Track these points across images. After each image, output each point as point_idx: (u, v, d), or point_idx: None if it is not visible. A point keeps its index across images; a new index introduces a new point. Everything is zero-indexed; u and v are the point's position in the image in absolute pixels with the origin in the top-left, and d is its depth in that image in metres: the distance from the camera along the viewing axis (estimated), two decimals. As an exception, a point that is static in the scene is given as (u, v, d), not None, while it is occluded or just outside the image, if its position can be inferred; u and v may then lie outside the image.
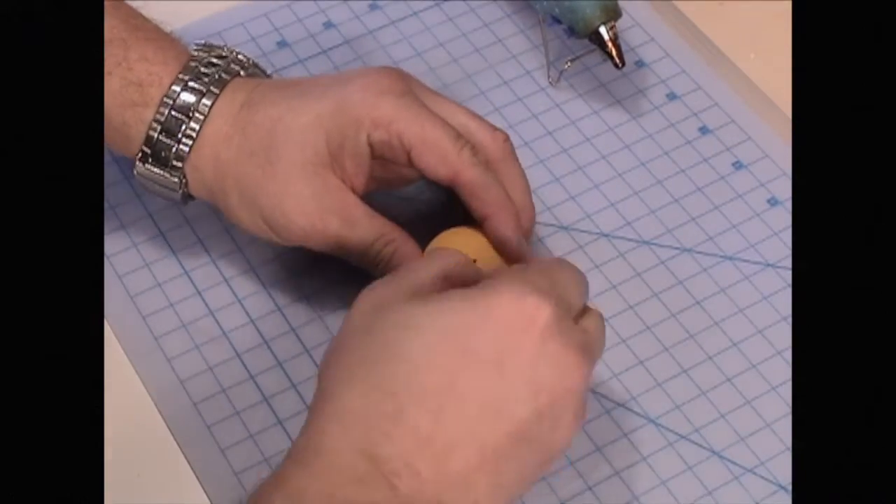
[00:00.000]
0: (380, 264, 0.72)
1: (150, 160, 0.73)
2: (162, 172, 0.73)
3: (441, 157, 0.71)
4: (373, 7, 0.89)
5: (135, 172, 0.74)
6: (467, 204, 0.72)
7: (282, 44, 0.87)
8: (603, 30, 0.83)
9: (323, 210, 0.71)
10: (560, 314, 0.61)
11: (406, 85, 0.72)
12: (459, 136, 0.71)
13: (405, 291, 0.62)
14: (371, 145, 0.71)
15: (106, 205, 0.80)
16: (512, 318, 0.60)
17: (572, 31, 0.84)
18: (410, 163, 0.71)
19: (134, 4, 0.75)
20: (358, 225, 0.72)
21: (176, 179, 0.73)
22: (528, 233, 0.73)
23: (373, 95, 0.71)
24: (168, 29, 0.76)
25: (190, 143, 0.72)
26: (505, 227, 0.71)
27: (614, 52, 0.83)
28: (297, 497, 0.58)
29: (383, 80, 0.72)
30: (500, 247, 0.71)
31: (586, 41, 0.83)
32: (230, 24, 0.88)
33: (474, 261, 0.68)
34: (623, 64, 0.83)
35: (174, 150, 0.72)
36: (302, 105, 0.72)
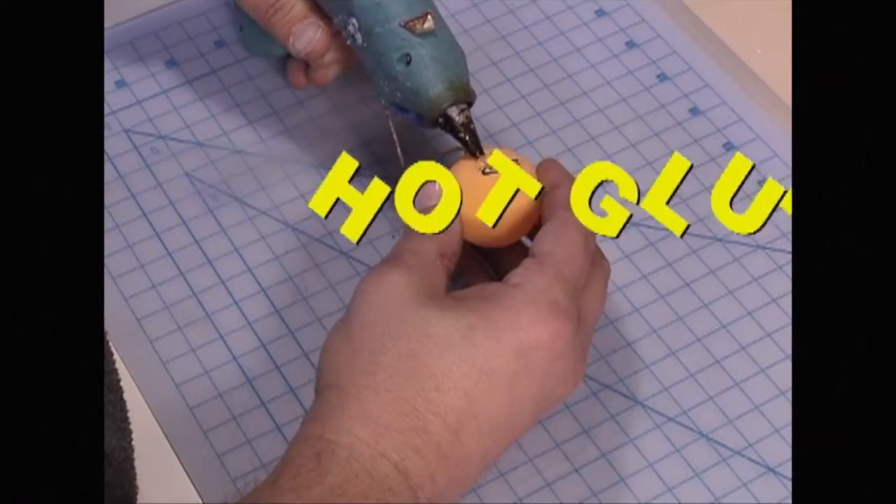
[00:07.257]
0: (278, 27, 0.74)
1: None
2: None
3: None
4: None
5: None
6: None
7: (219, 43, 0.86)
8: (453, 111, 0.70)
9: None
10: (573, 330, 0.62)
11: None
12: None
13: (417, 285, 0.62)
14: None
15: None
16: (530, 341, 0.61)
17: (420, 119, 0.72)
18: None
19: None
20: None
21: None
22: None
23: None
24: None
25: None
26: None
27: (468, 139, 0.70)
28: (335, 498, 0.58)
29: None
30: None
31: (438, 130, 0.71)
32: (167, 22, 0.87)
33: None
34: (481, 153, 0.69)
35: None
36: None
